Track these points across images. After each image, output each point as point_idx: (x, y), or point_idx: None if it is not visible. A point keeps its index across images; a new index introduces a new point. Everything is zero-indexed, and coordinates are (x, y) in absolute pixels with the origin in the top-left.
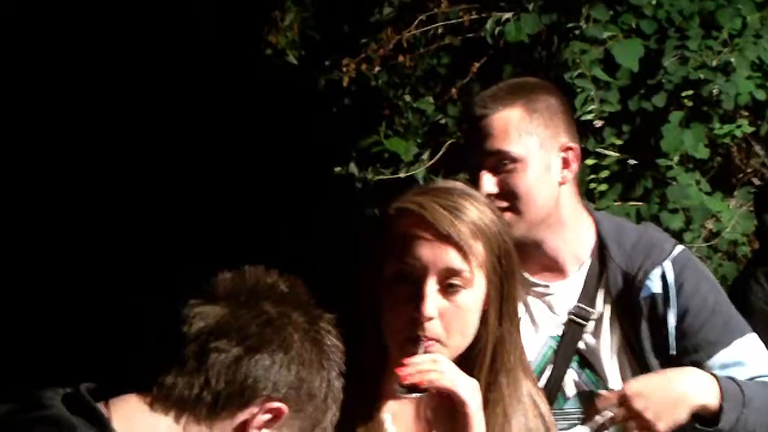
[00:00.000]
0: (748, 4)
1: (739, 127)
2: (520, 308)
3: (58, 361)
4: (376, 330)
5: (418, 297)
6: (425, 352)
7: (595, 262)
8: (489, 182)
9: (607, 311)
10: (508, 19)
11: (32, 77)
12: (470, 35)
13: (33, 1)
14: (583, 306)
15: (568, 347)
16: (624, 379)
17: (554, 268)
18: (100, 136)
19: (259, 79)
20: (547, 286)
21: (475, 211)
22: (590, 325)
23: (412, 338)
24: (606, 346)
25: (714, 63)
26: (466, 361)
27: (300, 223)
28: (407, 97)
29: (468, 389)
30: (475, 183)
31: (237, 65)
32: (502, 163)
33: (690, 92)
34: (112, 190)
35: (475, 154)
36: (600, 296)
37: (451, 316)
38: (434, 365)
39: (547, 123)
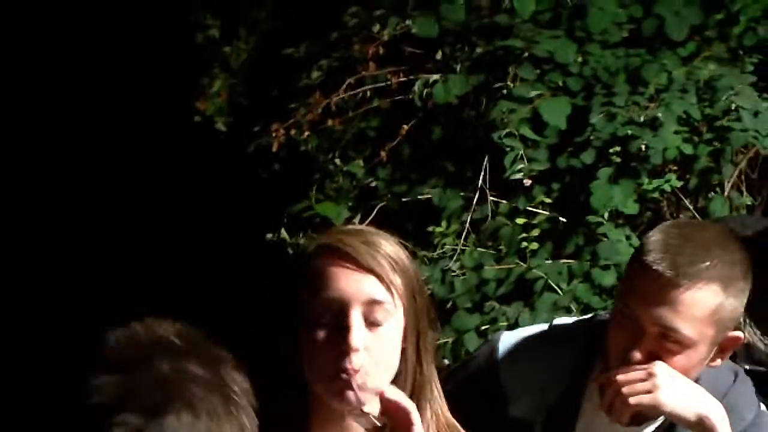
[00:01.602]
0: (673, 59)
1: (667, 181)
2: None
3: None
4: (297, 371)
5: (344, 329)
6: (355, 386)
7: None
8: (643, 351)
9: None
10: (436, 81)
11: (25, 78)
12: (399, 97)
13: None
14: None
15: None
16: None
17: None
18: None
19: (188, 147)
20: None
21: (390, 247)
22: None
23: (338, 371)
24: None
25: (641, 118)
26: None
27: (232, 290)
28: (337, 161)
29: None
30: (620, 341)
31: (165, 134)
32: (667, 337)
33: (618, 148)
34: None
35: (640, 313)
36: None
37: (377, 349)
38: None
39: (733, 311)
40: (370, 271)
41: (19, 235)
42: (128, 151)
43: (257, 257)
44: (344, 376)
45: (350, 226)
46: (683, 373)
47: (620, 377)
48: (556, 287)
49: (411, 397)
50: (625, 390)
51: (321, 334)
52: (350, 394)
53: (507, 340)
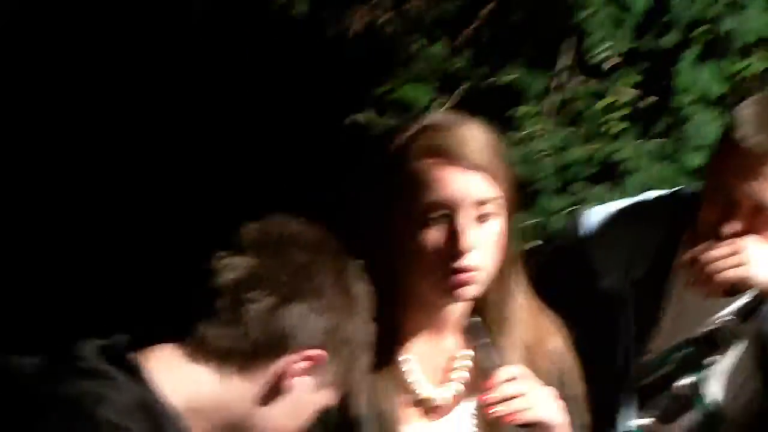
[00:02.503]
0: None
1: (751, 64)
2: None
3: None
4: (394, 269)
5: (456, 231)
6: (466, 284)
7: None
8: (736, 225)
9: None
10: None
11: (28, 75)
12: None
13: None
14: (731, 325)
15: (699, 354)
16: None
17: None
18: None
19: (268, 29)
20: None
21: (487, 136)
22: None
23: (451, 270)
24: (726, 369)
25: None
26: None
27: (315, 172)
28: (420, 43)
29: (557, 417)
30: (712, 216)
31: (245, 15)
32: (761, 211)
33: (703, 28)
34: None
35: (733, 189)
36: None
37: (487, 246)
38: (520, 394)
39: None
40: (479, 168)
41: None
42: (209, 41)
43: (341, 139)
44: (460, 275)
45: (440, 118)
46: None
47: (709, 253)
48: (644, 168)
49: (499, 274)
50: (713, 266)
51: (430, 233)
52: (464, 291)
53: (594, 214)
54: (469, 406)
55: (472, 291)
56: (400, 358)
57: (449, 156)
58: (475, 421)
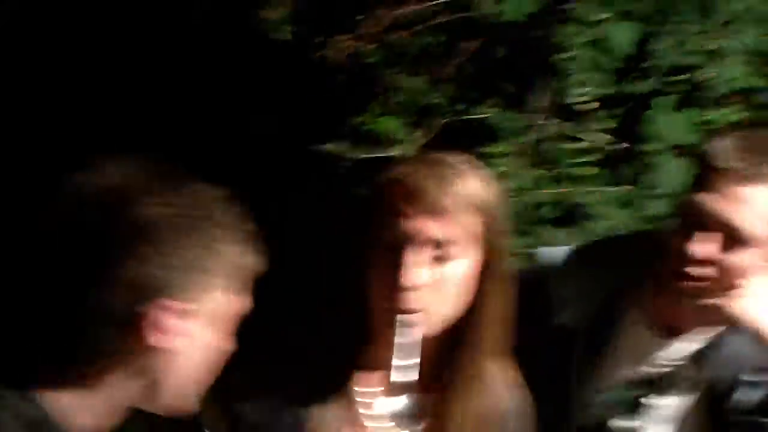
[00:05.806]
0: None
1: (725, 115)
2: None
3: None
4: (358, 300)
5: (402, 267)
6: (407, 325)
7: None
8: (703, 249)
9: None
10: None
11: (29, 74)
12: (466, 14)
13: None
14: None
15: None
16: None
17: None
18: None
19: (250, 54)
20: None
21: (467, 182)
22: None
23: (391, 309)
24: (670, 415)
25: (709, 48)
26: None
27: (283, 200)
28: (401, 76)
29: None
30: (679, 237)
31: (226, 39)
32: (728, 237)
33: (682, 77)
34: None
35: (700, 213)
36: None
37: (438, 287)
38: None
39: None
40: (434, 210)
41: None
42: (191, 54)
43: (315, 167)
44: (397, 315)
45: (433, 155)
46: (745, 274)
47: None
48: (609, 213)
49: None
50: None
51: (384, 268)
52: (399, 329)
53: (552, 252)
54: None
55: (410, 334)
56: (358, 389)
57: (409, 193)
58: None
